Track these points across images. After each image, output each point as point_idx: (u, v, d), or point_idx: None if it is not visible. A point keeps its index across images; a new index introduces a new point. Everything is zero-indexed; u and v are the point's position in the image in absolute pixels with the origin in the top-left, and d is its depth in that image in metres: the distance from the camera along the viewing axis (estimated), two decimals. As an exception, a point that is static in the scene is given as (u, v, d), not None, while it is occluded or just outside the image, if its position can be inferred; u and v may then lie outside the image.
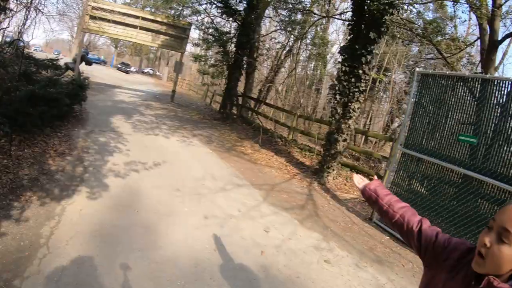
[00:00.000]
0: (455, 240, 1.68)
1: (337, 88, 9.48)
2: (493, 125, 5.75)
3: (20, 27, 16.15)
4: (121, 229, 4.86)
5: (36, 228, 4.52)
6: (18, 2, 12.14)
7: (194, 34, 51.43)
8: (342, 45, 12.65)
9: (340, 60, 9.91)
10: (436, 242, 1.70)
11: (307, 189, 8.79)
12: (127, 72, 50.29)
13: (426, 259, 1.73)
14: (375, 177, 2.29)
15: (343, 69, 9.35)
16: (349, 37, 9.71)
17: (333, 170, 9.51)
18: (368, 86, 9.72)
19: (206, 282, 4.07)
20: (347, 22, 13.34)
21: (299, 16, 19.17)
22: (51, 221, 4.78)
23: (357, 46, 9.09)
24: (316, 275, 4.80)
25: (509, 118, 5.53)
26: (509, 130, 5.45)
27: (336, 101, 9.48)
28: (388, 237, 6.65)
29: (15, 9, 12.53)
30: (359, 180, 2.20)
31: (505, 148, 5.48)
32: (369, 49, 9.01)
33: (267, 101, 23.05)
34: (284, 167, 10.33)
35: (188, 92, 36.71)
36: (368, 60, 9.10)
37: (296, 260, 5.10)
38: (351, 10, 9.83)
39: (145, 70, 63.90)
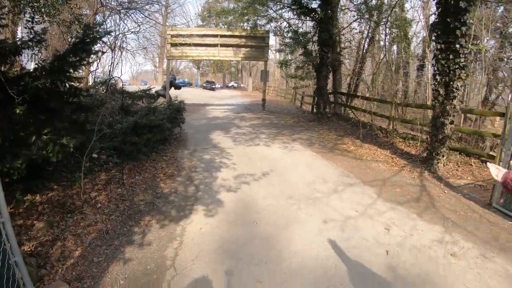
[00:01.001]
0: None
1: (435, 68, 8.96)
2: None
3: (109, 67, 17.36)
4: (243, 244, 4.95)
5: (160, 251, 4.74)
6: (103, 45, 13.01)
7: (272, 41, 52.09)
8: (423, 22, 11.91)
9: (433, 37, 9.35)
10: None
11: (418, 179, 8.41)
12: (213, 89, 52.14)
13: None
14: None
15: (439, 46, 8.79)
16: (437, 11, 9.06)
17: (443, 156, 9.01)
18: (468, 60, 9.01)
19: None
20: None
21: (374, 1, 18.60)
22: (174, 243, 4.99)
23: (448, 20, 8.46)
24: (445, 271, 4.58)
25: None
26: None
27: (436, 82, 8.95)
28: (511, 223, 6.16)
29: (102, 51, 13.46)
30: (496, 171, 2.03)
31: None
32: (462, 20, 8.32)
33: (357, 93, 22.54)
34: (391, 159, 9.99)
35: (276, 98, 37.15)
36: (464, 32, 8.40)
37: (422, 257, 4.90)
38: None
39: (230, 84, 65.79)
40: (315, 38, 18.06)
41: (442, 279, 4.37)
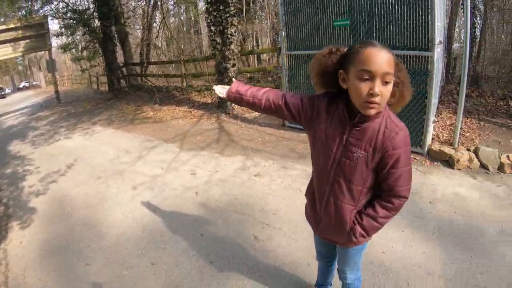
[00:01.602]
0: (315, 95, 1.98)
1: (209, 20, 9.64)
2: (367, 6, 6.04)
3: None
4: (65, 237, 4.92)
5: (-10, 283, 4.52)
6: None
7: (55, 26, 48.11)
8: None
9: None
10: (304, 105, 1.97)
11: (216, 124, 9.15)
12: (3, 96, 46.13)
13: (304, 122, 2.00)
14: (234, 80, 2.43)
15: (209, 0, 9.49)
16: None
17: (234, 97, 9.83)
18: (239, 8, 9.90)
19: (158, 239, 4.34)
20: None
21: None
22: (0, 268, 4.78)
23: None
24: (251, 190, 5.25)
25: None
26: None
27: (212, 33, 9.69)
28: (304, 134, 7.08)
29: None
30: (221, 90, 2.27)
31: (380, 24, 5.87)
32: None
33: (151, 60, 22.50)
34: (189, 113, 10.59)
35: (73, 87, 34.83)
36: None
37: (228, 186, 5.51)
38: None
39: (21, 86, 58.61)
40: (97, 14, 17.25)
41: (250, 197, 5.02)
